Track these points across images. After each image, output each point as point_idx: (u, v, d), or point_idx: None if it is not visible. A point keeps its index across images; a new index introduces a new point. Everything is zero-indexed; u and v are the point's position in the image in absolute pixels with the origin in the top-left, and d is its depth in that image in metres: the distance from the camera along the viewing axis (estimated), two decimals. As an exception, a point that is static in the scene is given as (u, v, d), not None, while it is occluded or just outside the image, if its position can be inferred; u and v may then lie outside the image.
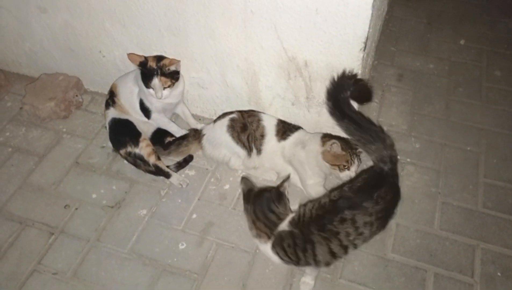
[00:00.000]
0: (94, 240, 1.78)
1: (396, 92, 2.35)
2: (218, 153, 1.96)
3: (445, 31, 2.72)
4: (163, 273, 1.68)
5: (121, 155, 1.96)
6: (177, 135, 2.06)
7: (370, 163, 1.61)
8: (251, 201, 1.52)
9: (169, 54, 1.95)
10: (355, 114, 1.52)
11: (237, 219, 1.82)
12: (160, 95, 1.85)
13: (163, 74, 1.83)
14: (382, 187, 1.43)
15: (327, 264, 1.47)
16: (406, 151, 2.05)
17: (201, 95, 2.13)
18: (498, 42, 2.64)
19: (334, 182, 1.93)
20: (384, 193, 1.43)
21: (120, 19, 1.94)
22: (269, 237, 1.46)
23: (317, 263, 1.44)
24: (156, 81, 1.82)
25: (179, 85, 1.96)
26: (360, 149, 1.71)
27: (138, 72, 1.88)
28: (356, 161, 1.73)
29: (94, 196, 1.92)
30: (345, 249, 1.42)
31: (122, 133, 1.95)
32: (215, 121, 1.98)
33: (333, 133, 1.84)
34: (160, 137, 2.04)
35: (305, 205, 1.48)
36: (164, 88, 1.85)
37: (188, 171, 2.01)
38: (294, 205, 1.62)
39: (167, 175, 1.93)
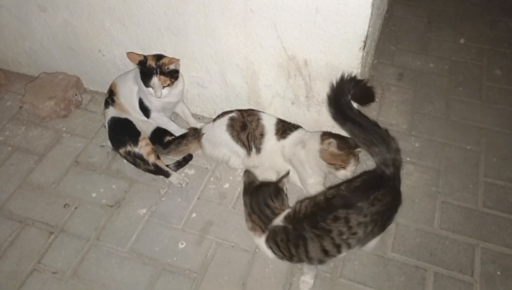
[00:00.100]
0: (93, 239, 1.78)
1: (396, 91, 2.35)
2: (217, 152, 1.96)
3: (445, 30, 2.72)
4: (162, 272, 1.68)
5: (120, 154, 1.96)
6: (177, 134, 2.06)
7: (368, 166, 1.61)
8: (250, 194, 1.54)
9: (168, 53, 1.95)
10: (358, 117, 1.51)
11: (236, 218, 1.82)
12: (159, 94, 1.85)
13: (163, 73, 1.83)
14: (380, 189, 1.41)
15: (321, 261, 1.46)
16: (406, 150, 2.05)
17: (201, 94, 2.13)
18: (498, 41, 2.64)
19: (334, 181, 1.93)
20: (381, 195, 1.40)
21: (120, 18, 1.94)
22: (263, 231, 1.48)
23: (310, 260, 1.43)
24: (155, 80, 1.82)
25: (179, 84, 1.96)
26: (359, 149, 1.70)
27: (137, 71, 1.88)
28: (353, 161, 1.72)
29: (93, 195, 1.92)
30: (338, 247, 1.41)
31: (122, 132, 1.94)
32: (214, 120, 1.98)
33: (334, 132, 1.84)
34: (159, 136, 2.04)
35: (302, 201, 1.48)
36: (164, 87, 1.85)
37: (187, 170, 2.01)
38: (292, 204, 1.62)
39: (167, 174, 1.93)
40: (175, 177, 1.93)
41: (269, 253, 1.48)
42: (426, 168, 2.00)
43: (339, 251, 1.42)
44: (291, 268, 1.67)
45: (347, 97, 1.55)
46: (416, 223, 1.80)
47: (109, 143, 2.03)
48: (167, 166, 1.95)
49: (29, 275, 1.67)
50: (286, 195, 1.55)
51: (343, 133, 1.67)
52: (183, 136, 2.02)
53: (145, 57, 1.84)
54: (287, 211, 1.48)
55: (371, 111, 2.19)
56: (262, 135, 1.89)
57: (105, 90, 2.10)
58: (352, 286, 1.63)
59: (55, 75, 2.29)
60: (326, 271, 1.66)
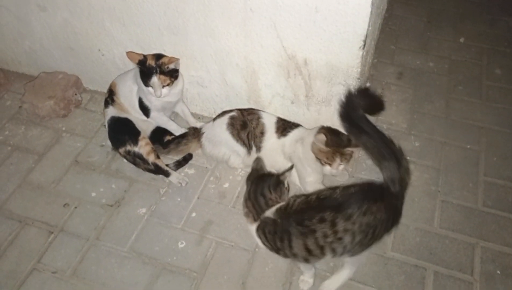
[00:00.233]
0: (93, 238, 1.78)
1: (396, 90, 2.35)
2: (217, 152, 1.96)
3: (445, 29, 2.71)
4: (162, 272, 1.68)
5: (120, 153, 1.96)
6: (177, 133, 2.06)
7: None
8: (252, 181, 1.56)
9: (168, 52, 1.95)
10: (373, 131, 1.45)
11: (236, 217, 1.82)
12: (159, 94, 1.85)
13: (162, 72, 1.83)
14: (377, 203, 1.37)
15: (306, 260, 1.45)
16: (406, 149, 2.04)
17: (201, 93, 2.13)
18: (498, 40, 2.64)
19: (333, 181, 1.93)
20: (376, 209, 1.36)
21: (119, 18, 1.94)
22: (255, 220, 1.49)
23: (294, 256, 1.43)
24: (155, 79, 1.82)
25: (178, 84, 1.96)
26: (350, 149, 1.69)
27: (137, 71, 1.88)
28: (338, 159, 1.71)
29: (93, 194, 1.92)
30: (322, 249, 1.38)
31: (121, 131, 1.94)
32: (214, 119, 1.98)
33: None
34: (159, 136, 2.04)
35: (297, 197, 1.47)
36: (163, 86, 1.85)
37: (187, 169, 2.01)
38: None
39: (167, 174, 1.93)
40: (175, 176, 1.93)
41: (259, 242, 1.51)
42: (426, 167, 2.00)
43: (322, 253, 1.40)
44: (291, 267, 1.67)
45: (360, 111, 1.48)
46: (416, 222, 1.80)
47: (108, 143, 2.03)
48: (167, 165, 1.95)
49: (29, 275, 1.67)
50: (287, 189, 1.55)
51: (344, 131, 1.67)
52: (183, 136, 2.02)
53: (144, 56, 1.84)
54: (280, 204, 1.48)
55: (371, 111, 2.19)
56: (262, 133, 1.89)
57: (105, 90, 2.10)
58: (352, 285, 1.63)
59: (54, 74, 2.29)
60: (326, 270, 1.66)
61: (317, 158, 1.74)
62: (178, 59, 1.86)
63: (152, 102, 1.96)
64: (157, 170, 1.92)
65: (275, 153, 1.89)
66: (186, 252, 1.73)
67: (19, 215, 1.85)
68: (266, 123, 1.90)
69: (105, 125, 2.03)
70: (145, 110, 1.99)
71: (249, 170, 1.67)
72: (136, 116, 2.01)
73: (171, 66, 1.84)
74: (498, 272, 1.66)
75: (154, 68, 1.82)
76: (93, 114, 2.26)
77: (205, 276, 1.66)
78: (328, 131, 1.74)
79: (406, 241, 1.74)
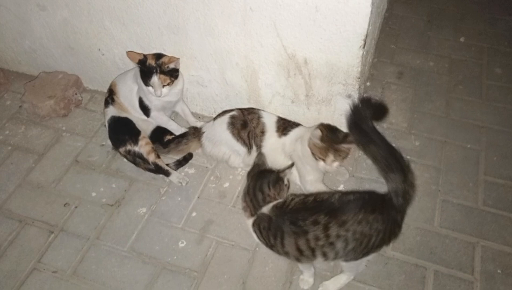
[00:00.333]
0: (93, 238, 1.78)
1: (396, 89, 2.35)
2: (218, 151, 1.96)
3: (445, 29, 2.71)
4: (162, 271, 1.68)
5: (120, 153, 1.96)
6: (177, 133, 2.06)
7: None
8: (252, 175, 1.56)
9: (168, 52, 1.95)
10: (382, 142, 1.42)
11: (236, 217, 1.82)
12: (159, 93, 1.85)
13: (162, 72, 1.83)
14: (374, 213, 1.35)
15: (297, 259, 1.45)
16: (406, 149, 2.05)
17: (201, 93, 2.13)
18: (498, 39, 2.64)
19: (334, 181, 1.93)
20: (373, 219, 1.35)
21: (119, 17, 1.93)
22: (252, 215, 1.49)
23: (286, 254, 1.43)
24: (155, 79, 1.82)
25: (179, 83, 1.96)
26: (345, 146, 1.68)
27: (137, 70, 1.88)
28: (331, 156, 1.70)
29: (93, 194, 1.92)
30: (313, 251, 1.38)
31: (122, 131, 1.94)
32: (214, 119, 1.98)
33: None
34: (159, 135, 2.04)
35: (296, 196, 1.46)
36: (163, 86, 1.85)
37: (187, 169, 2.01)
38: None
39: (167, 173, 1.93)
40: (175, 176, 1.93)
41: (254, 236, 1.51)
42: (426, 166, 1.99)
43: (313, 255, 1.39)
44: (291, 267, 1.67)
45: (369, 122, 1.44)
46: (416, 222, 1.80)
47: (109, 142, 2.03)
48: (167, 165, 1.95)
49: (29, 274, 1.67)
50: (286, 186, 1.55)
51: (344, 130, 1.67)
52: (183, 135, 2.02)
53: (145, 56, 1.84)
54: (277, 201, 1.48)
55: (371, 110, 2.18)
56: (263, 132, 1.89)
57: (105, 89, 2.10)
58: (352, 285, 1.62)
59: (54, 74, 2.29)
60: (326, 269, 1.66)
61: (312, 153, 1.74)
62: (178, 59, 1.86)
63: (152, 101, 1.96)
64: (158, 169, 1.92)
65: (275, 152, 1.89)
66: (187, 252, 1.73)
67: (19, 214, 1.85)
68: (267, 123, 1.90)
69: (105, 125, 2.03)
70: (145, 109, 1.99)
71: (249, 169, 1.67)
72: (136, 115, 2.01)
73: (171, 65, 1.84)
74: (499, 271, 1.66)
75: (154, 67, 1.82)
76: (93, 113, 2.26)
77: (206, 276, 1.66)
78: (325, 127, 1.74)
79: (406, 241, 1.74)
